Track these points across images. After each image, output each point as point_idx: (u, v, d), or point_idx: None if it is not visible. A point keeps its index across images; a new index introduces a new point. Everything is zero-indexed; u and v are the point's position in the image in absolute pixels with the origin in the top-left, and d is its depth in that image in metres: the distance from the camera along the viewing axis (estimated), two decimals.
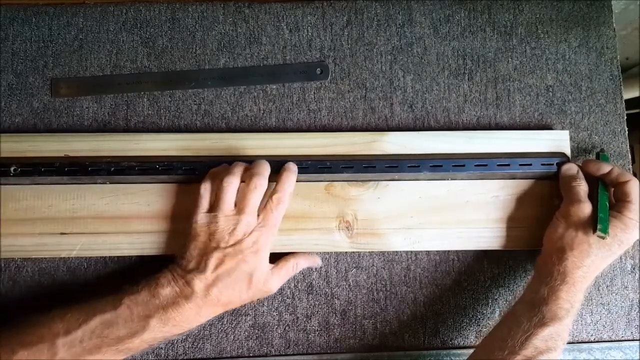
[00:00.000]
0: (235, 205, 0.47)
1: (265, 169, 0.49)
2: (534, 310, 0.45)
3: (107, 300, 0.44)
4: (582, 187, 0.49)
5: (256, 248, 0.46)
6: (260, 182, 0.47)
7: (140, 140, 0.52)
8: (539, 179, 0.53)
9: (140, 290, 0.44)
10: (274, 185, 0.48)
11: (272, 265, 0.49)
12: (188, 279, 0.44)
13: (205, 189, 0.48)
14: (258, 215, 0.47)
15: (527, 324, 0.45)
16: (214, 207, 0.47)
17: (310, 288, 0.52)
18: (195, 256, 0.46)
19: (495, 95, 0.56)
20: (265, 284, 0.47)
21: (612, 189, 0.50)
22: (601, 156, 0.53)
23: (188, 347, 0.51)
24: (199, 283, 0.44)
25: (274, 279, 0.48)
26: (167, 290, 0.44)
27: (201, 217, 0.46)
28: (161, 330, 0.43)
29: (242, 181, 0.48)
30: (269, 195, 0.48)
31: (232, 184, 0.47)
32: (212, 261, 0.45)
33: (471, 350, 0.48)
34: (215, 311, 0.46)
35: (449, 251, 0.53)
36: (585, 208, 0.48)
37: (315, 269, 0.53)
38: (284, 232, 0.50)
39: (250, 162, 0.50)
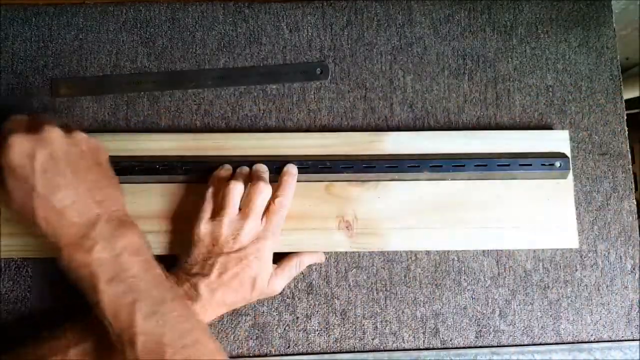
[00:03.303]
0: (240, 209, 0.47)
1: (267, 173, 0.49)
2: None
3: None
4: None
5: (260, 254, 0.46)
6: (266, 187, 0.47)
7: (140, 140, 0.52)
8: (539, 179, 0.53)
9: None
10: (276, 189, 0.48)
11: (276, 266, 0.49)
12: (193, 282, 0.45)
13: (210, 194, 0.48)
14: (261, 220, 0.47)
15: None
16: (218, 211, 0.46)
17: (310, 288, 0.52)
18: (200, 260, 0.46)
19: (495, 95, 0.56)
20: (269, 286, 0.48)
21: None
22: None
23: None
24: (204, 287, 0.44)
25: (278, 280, 0.48)
26: None
27: (205, 222, 0.46)
28: None
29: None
30: (271, 199, 0.48)
31: (237, 189, 0.47)
32: (217, 266, 0.45)
33: (471, 350, 0.48)
34: (219, 311, 0.47)
35: (449, 251, 0.53)
36: None
37: (315, 268, 0.53)
38: (284, 232, 0.50)
39: (250, 163, 0.50)
